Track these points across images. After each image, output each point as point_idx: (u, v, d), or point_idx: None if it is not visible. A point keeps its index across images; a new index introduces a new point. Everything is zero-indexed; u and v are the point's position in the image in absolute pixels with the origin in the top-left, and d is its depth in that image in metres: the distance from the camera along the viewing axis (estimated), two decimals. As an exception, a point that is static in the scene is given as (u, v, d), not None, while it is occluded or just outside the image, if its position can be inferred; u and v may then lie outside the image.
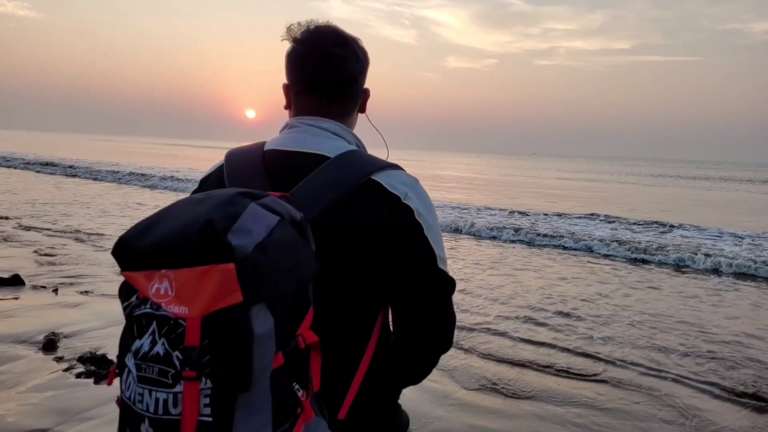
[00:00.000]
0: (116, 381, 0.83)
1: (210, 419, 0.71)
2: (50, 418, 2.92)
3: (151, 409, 0.73)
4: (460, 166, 48.78)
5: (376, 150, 1.14)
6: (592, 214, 14.32)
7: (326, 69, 1.07)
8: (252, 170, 1.02)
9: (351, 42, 1.10)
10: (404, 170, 1.05)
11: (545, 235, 10.59)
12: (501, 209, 14.99)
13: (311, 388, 0.84)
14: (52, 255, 6.96)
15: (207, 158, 44.49)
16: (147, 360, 0.74)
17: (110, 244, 7.82)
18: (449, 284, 1.02)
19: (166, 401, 0.72)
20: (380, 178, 0.99)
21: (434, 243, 1.00)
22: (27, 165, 22.72)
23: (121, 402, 0.80)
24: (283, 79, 1.14)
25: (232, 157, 1.08)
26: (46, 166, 22.42)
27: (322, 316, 0.90)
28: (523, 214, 14.24)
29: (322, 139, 1.05)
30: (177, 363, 0.72)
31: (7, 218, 9.70)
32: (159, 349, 0.74)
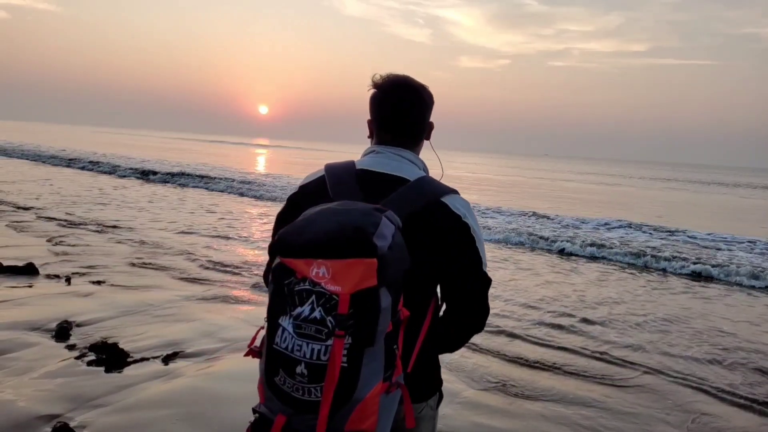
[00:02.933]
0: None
1: (346, 365, 1.05)
2: (61, 405, 2.97)
3: (307, 356, 1.05)
4: (472, 166, 48.67)
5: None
6: (630, 224, 13.25)
7: (399, 115, 1.42)
8: (349, 185, 1.34)
9: (420, 90, 1.43)
10: (459, 194, 1.39)
11: (598, 245, 9.91)
12: (520, 212, 14.90)
13: (399, 350, 1.17)
14: (66, 245, 7.05)
15: (220, 153, 44.71)
16: (306, 321, 1.06)
17: (126, 236, 7.94)
18: (488, 282, 1.37)
19: (319, 351, 1.05)
20: (446, 200, 1.33)
21: (481, 251, 1.36)
22: (52, 158, 22.83)
23: (270, 350, 1.11)
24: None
25: (332, 171, 1.40)
26: (73, 161, 22.45)
27: (407, 302, 1.21)
28: (543, 216, 14.15)
29: (402, 165, 1.38)
30: (330, 325, 1.05)
31: (27, 208, 9.85)
32: (316, 314, 1.06)
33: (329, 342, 1.05)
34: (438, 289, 1.39)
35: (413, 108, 1.43)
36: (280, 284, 1.11)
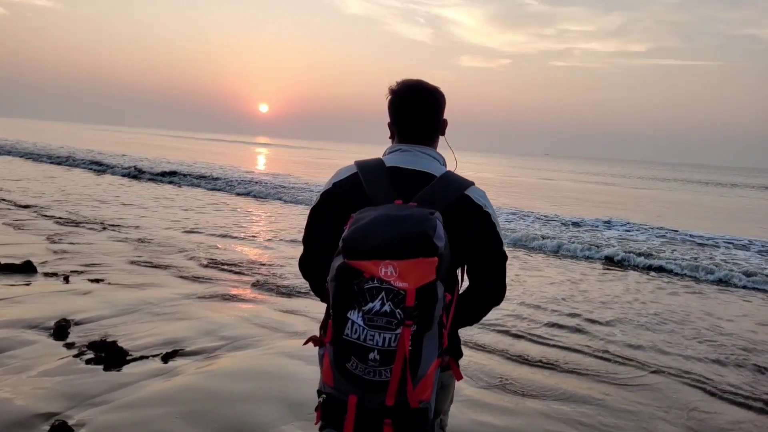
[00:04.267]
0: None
1: (411, 348, 1.25)
2: (60, 403, 2.96)
3: (380, 344, 1.24)
4: (473, 166, 48.64)
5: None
6: (660, 228, 12.72)
7: (418, 116, 1.60)
8: (383, 182, 1.50)
9: (433, 92, 1.61)
10: (475, 185, 1.57)
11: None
12: (526, 213, 14.91)
13: (446, 329, 1.38)
14: (65, 243, 7.04)
15: (221, 152, 44.68)
16: (378, 315, 1.24)
17: (126, 234, 7.91)
18: (506, 258, 1.59)
19: (390, 339, 1.24)
20: (469, 193, 1.52)
21: (500, 234, 1.57)
22: (53, 157, 22.69)
23: (341, 341, 1.27)
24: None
25: (365, 169, 1.55)
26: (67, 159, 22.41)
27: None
28: (544, 217, 14.17)
29: (428, 162, 1.56)
30: (398, 316, 1.24)
31: (26, 206, 9.82)
32: (386, 308, 1.24)
33: (398, 331, 1.24)
34: (459, 273, 1.59)
35: (429, 109, 1.60)
36: (348, 283, 1.27)
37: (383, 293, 1.25)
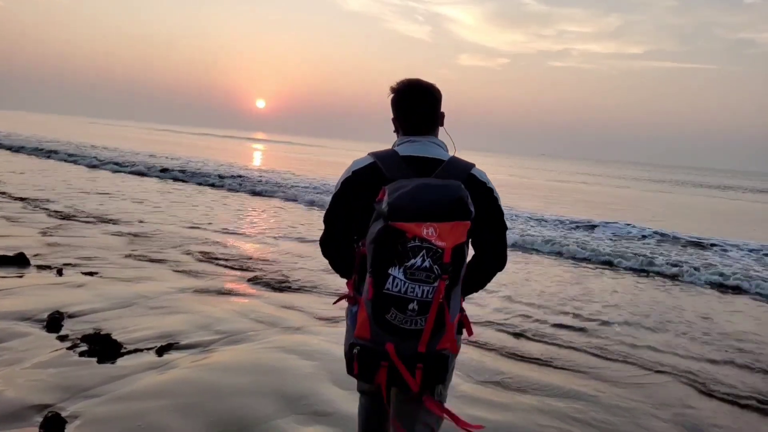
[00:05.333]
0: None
1: (442, 300, 1.49)
2: (54, 395, 2.94)
3: (419, 296, 1.48)
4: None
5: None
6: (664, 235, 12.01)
7: (418, 110, 1.81)
8: (402, 167, 1.71)
9: (430, 88, 1.82)
10: (477, 166, 1.79)
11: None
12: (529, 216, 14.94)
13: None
14: (59, 236, 6.99)
15: (217, 147, 44.48)
16: (419, 270, 1.47)
17: (121, 228, 7.87)
18: (506, 228, 1.83)
19: (428, 291, 1.48)
20: (474, 172, 1.76)
21: (501, 207, 1.80)
22: (51, 151, 22.40)
23: (382, 295, 1.50)
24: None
25: (381, 158, 1.75)
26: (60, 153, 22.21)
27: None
28: (541, 221, 14.19)
29: (436, 149, 1.79)
30: (436, 271, 1.48)
31: (21, 199, 9.75)
32: (426, 264, 1.48)
33: (435, 284, 1.48)
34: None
35: (429, 103, 1.82)
36: (391, 242, 1.48)
37: (424, 251, 1.47)
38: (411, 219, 1.47)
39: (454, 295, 1.54)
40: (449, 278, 1.48)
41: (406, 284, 1.47)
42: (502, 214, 1.78)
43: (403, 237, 1.47)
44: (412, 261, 1.47)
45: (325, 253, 1.85)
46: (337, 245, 1.80)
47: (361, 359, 1.53)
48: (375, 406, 1.97)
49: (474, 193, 1.67)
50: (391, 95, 1.83)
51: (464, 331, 1.77)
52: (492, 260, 1.80)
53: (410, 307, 1.48)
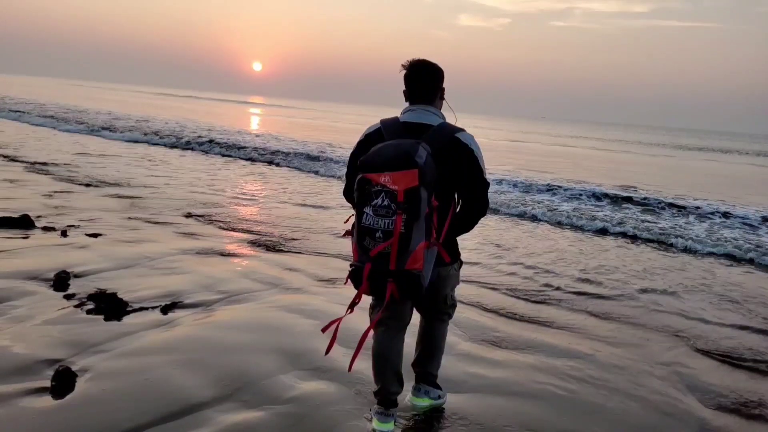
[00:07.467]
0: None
1: (403, 231, 2.00)
2: (63, 350, 3.02)
3: (382, 227, 2.02)
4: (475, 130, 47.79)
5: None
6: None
7: (421, 84, 2.30)
8: (399, 131, 2.24)
9: (433, 66, 2.31)
10: (466, 130, 2.26)
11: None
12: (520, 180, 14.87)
13: (434, 225, 2.12)
14: (63, 199, 7.02)
15: (210, 111, 44.05)
16: (380, 207, 2.02)
17: (123, 192, 7.88)
18: (487, 184, 2.30)
19: (388, 223, 2.01)
20: (459, 135, 2.23)
21: (482, 165, 2.27)
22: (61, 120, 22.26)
23: (360, 227, 2.08)
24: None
25: (385, 124, 2.30)
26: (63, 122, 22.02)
27: (437, 198, 2.13)
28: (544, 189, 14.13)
29: (429, 116, 2.27)
30: (393, 208, 2.00)
31: (25, 162, 9.74)
32: (385, 203, 2.01)
33: (393, 218, 1.99)
34: (455, 195, 2.30)
35: (430, 79, 2.30)
36: (364, 188, 2.05)
37: (383, 193, 2.01)
38: (374, 170, 2.03)
39: (417, 228, 2.00)
40: (406, 213, 1.97)
41: (373, 219, 2.02)
42: (481, 171, 2.24)
43: (370, 183, 2.02)
44: (375, 201, 2.02)
45: (347, 199, 2.37)
46: (351, 193, 2.21)
47: (352, 275, 2.13)
48: (388, 335, 2.45)
49: (457, 153, 2.18)
50: (402, 71, 2.31)
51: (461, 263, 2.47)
52: (474, 208, 2.28)
53: (377, 235, 2.01)
